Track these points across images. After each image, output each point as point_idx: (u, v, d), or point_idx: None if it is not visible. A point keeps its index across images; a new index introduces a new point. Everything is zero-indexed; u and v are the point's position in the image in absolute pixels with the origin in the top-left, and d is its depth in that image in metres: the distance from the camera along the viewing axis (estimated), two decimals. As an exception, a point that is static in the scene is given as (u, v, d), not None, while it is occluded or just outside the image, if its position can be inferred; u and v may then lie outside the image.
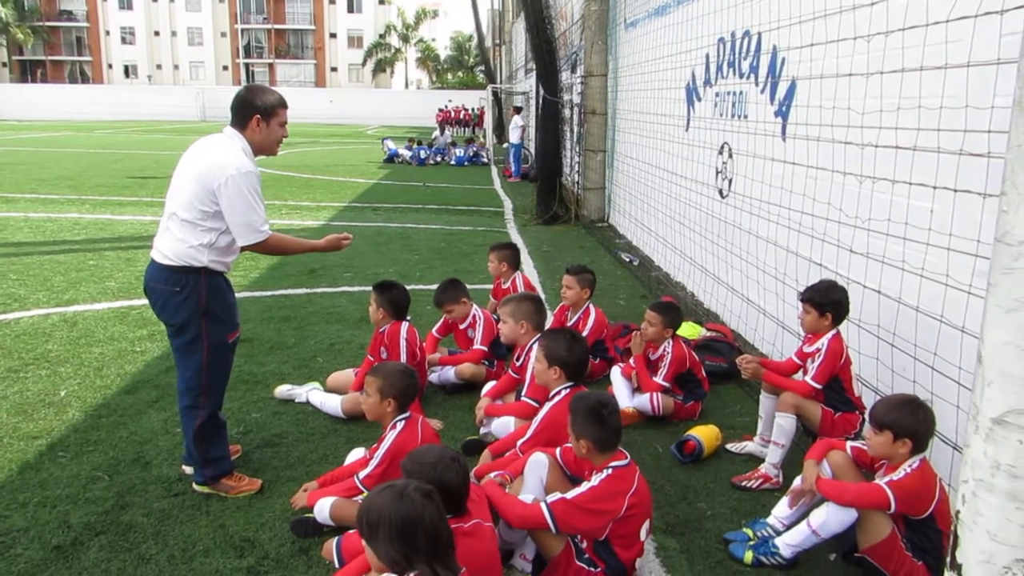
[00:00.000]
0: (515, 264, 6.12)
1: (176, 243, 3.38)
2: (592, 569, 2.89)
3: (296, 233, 10.77)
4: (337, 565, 2.80)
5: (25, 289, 7.33)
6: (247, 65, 75.68)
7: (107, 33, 74.06)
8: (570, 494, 2.88)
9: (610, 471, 2.90)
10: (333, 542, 2.90)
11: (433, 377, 5.08)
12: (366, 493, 3.34)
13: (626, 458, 2.97)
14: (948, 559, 1.65)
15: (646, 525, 2.99)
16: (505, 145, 23.93)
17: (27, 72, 73.44)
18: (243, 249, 3.46)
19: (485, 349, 5.08)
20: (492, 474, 3.32)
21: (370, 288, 4.90)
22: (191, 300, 3.40)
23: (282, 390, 4.84)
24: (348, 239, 3.81)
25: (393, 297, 4.71)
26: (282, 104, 3.54)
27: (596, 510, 2.85)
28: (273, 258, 8.94)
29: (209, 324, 3.45)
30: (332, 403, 4.61)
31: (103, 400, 4.71)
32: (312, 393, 4.75)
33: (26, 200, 13.35)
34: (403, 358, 4.54)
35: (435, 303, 5.28)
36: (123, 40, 74.43)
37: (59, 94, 56.44)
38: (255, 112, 3.44)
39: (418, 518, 2.15)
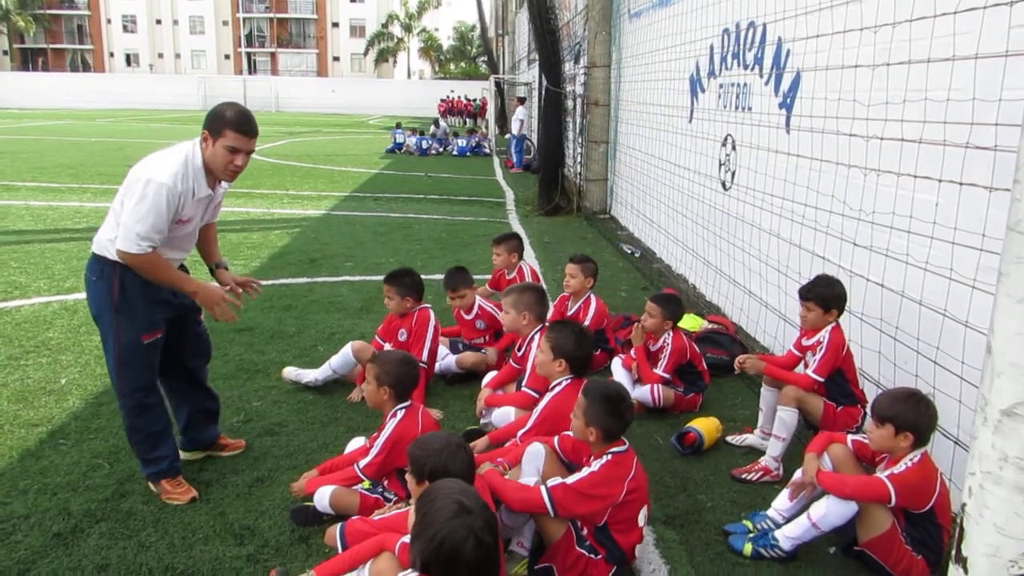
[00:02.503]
0: (521, 252, 6.13)
1: (102, 231, 3.31)
2: (593, 556, 2.89)
3: (297, 223, 10.79)
4: (341, 551, 2.79)
5: (26, 277, 7.32)
6: (249, 54, 75.46)
7: (108, 21, 73.84)
8: (570, 479, 2.89)
9: (609, 457, 2.91)
10: (336, 528, 2.89)
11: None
12: (367, 482, 3.35)
13: (624, 444, 2.98)
14: (953, 552, 1.63)
15: (644, 511, 2.99)
16: (507, 136, 23.87)
17: (28, 60, 73.30)
18: (120, 257, 3.19)
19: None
20: (489, 464, 3.30)
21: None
22: (103, 291, 3.29)
23: (289, 371, 4.89)
24: (226, 302, 3.34)
25: (415, 281, 4.77)
26: (235, 127, 3.19)
27: (595, 495, 2.86)
28: (274, 247, 8.95)
29: (121, 320, 3.29)
30: (340, 353, 4.70)
31: (104, 388, 4.70)
32: (316, 371, 4.81)
33: (27, 188, 13.33)
34: (428, 344, 4.56)
35: (449, 287, 5.23)
36: (125, 28, 74.24)
37: (60, 82, 56.23)
38: (205, 126, 3.23)
39: (460, 557, 2.06)
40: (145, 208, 3.11)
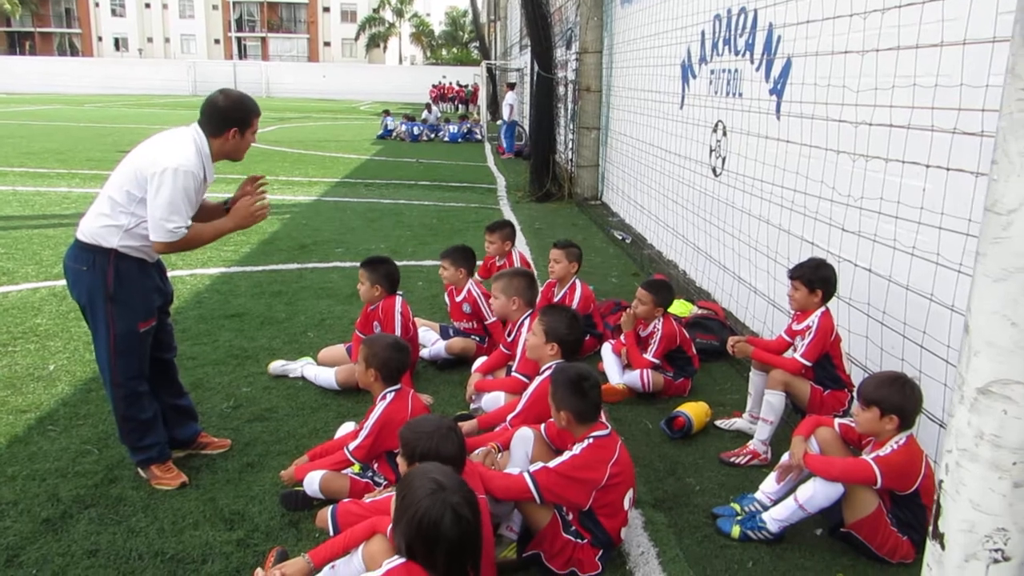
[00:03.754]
0: (514, 240, 6.14)
1: (94, 219, 3.26)
2: (579, 541, 2.91)
3: (287, 209, 10.75)
4: (332, 534, 2.80)
5: (14, 263, 7.28)
6: (239, 39, 74.74)
7: (97, 5, 72.92)
8: (552, 463, 2.90)
9: (591, 440, 2.93)
10: (327, 511, 2.89)
11: (424, 352, 5.08)
12: (356, 466, 3.36)
13: (607, 428, 3.00)
14: (930, 528, 1.66)
15: (629, 494, 3.01)
16: (499, 122, 23.78)
17: (15, 44, 72.38)
18: (159, 249, 3.28)
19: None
20: (480, 449, 3.32)
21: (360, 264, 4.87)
22: (96, 281, 3.25)
23: (276, 366, 4.83)
24: (264, 207, 3.53)
25: (388, 271, 4.72)
26: (258, 114, 3.46)
27: (578, 479, 2.87)
28: (264, 233, 8.90)
29: (116, 309, 3.28)
30: (326, 375, 4.62)
31: (92, 374, 4.69)
32: (306, 367, 4.76)
33: (15, 174, 13.21)
34: (397, 332, 4.55)
35: (444, 256, 5.27)
36: (113, 12, 73.33)
37: (48, 67, 55.45)
38: (234, 124, 3.32)
39: (439, 533, 2.08)
40: (177, 196, 3.17)
